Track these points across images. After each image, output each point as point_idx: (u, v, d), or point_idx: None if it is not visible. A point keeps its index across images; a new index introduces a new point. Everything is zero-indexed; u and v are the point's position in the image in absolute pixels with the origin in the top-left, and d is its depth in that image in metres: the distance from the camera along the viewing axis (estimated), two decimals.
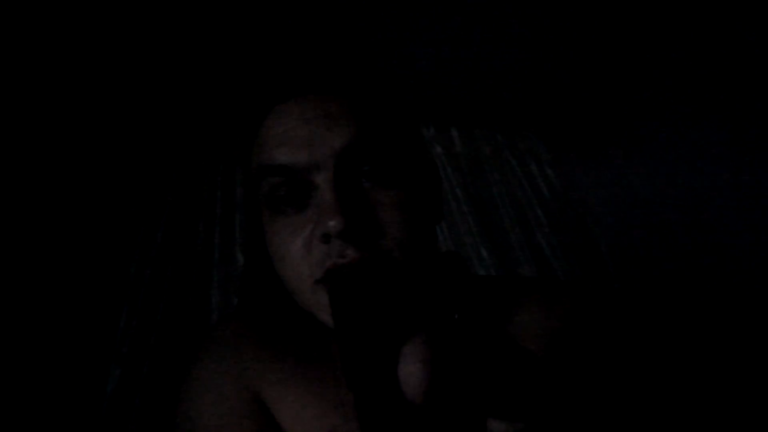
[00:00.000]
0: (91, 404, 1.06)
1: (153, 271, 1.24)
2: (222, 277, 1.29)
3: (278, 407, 0.47)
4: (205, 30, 1.26)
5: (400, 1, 1.29)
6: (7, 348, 1.06)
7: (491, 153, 1.83)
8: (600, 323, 0.50)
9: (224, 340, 0.52)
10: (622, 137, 1.68)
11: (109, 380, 1.09)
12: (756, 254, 1.27)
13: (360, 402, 0.25)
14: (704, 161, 1.39)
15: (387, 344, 0.26)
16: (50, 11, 1.14)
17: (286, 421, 0.46)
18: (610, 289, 1.64)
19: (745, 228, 1.29)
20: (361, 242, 0.38)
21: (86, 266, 1.20)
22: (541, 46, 1.50)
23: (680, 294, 1.45)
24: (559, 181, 1.83)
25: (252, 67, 1.38)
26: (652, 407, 0.47)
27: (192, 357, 0.52)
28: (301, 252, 0.40)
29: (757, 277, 1.27)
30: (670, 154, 1.49)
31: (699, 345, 1.35)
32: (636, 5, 1.37)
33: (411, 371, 0.24)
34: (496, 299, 0.50)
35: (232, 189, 1.43)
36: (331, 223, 0.37)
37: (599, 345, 0.48)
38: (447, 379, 0.25)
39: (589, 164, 1.81)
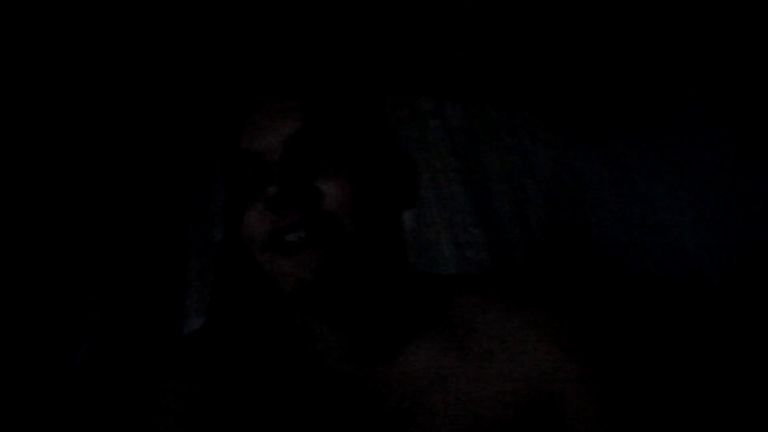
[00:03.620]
0: (59, 378, 1.06)
1: (124, 245, 1.21)
2: (197, 253, 1.27)
3: None
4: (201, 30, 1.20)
5: None
6: None
7: (487, 129, 1.77)
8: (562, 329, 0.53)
9: (174, 399, 0.54)
10: (625, 122, 1.61)
11: (77, 355, 1.09)
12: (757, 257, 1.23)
13: None
14: (707, 163, 1.33)
15: None
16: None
17: None
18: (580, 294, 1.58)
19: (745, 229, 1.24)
20: (301, 206, 0.43)
21: (56, 239, 1.18)
22: (544, 19, 1.42)
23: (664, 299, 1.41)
24: (555, 162, 1.77)
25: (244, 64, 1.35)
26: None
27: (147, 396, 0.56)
28: (257, 222, 0.46)
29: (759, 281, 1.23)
30: (673, 150, 1.43)
31: (681, 352, 1.31)
32: None
33: None
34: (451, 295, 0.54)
35: (211, 165, 1.38)
36: (270, 189, 0.42)
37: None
38: None
39: (587, 146, 1.75)
